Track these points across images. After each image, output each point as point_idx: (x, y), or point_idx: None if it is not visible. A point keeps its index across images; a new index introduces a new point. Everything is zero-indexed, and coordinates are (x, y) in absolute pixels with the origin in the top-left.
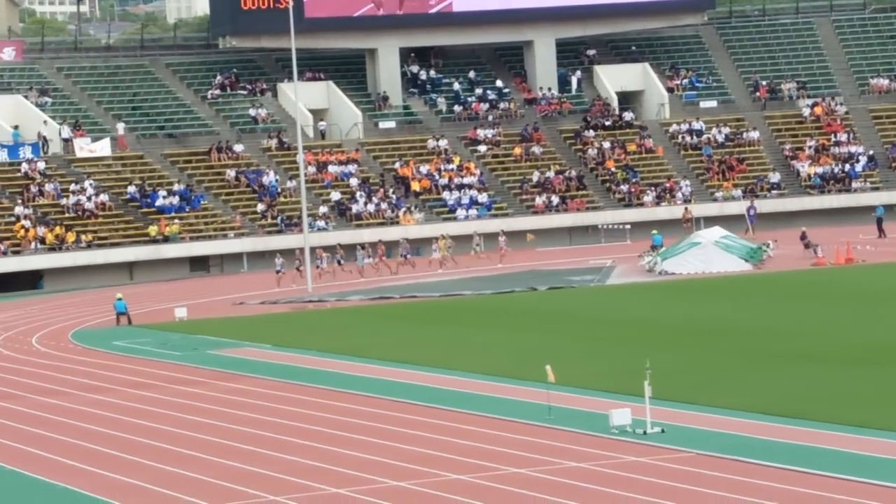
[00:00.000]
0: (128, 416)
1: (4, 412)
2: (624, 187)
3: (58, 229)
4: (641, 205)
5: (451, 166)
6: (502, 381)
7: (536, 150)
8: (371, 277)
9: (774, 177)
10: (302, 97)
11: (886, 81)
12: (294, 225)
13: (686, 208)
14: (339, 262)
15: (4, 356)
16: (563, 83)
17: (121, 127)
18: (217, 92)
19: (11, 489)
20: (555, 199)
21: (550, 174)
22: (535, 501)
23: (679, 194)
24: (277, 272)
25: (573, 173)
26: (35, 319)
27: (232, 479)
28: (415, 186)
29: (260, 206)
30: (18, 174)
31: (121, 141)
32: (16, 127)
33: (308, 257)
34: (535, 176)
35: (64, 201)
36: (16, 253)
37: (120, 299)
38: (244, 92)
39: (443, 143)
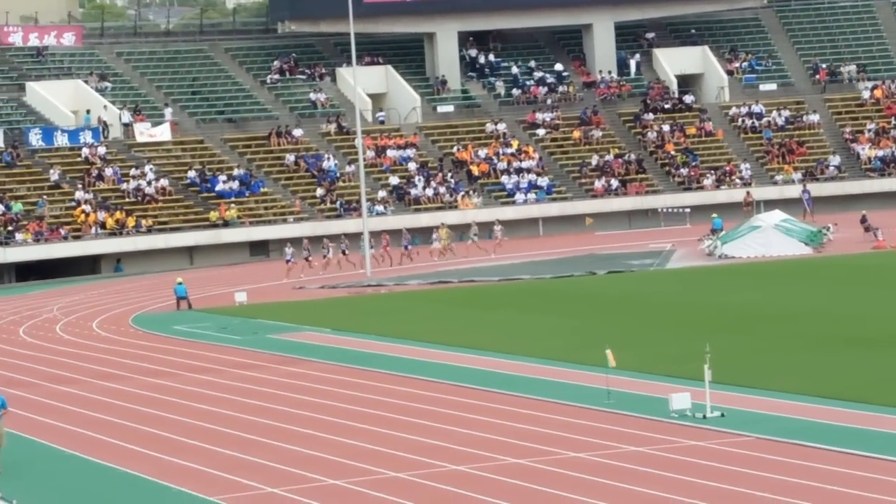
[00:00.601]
0: (188, 400)
1: (66, 397)
2: (683, 171)
3: (118, 214)
4: (701, 188)
5: (509, 150)
6: (561, 366)
7: (596, 133)
8: (376, 268)
9: (834, 160)
10: (361, 81)
11: None
12: (353, 209)
13: (747, 192)
14: (343, 252)
15: (65, 341)
16: (622, 66)
17: (168, 112)
18: (276, 76)
19: (73, 473)
20: (614, 183)
21: (609, 157)
22: (595, 486)
23: (738, 178)
24: (287, 262)
25: (632, 156)
26: (95, 304)
27: (292, 462)
28: (473, 170)
29: (319, 191)
30: (79, 159)
31: (171, 126)
32: (88, 111)
33: (367, 242)
34: (595, 159)
35: (124, 186)
36: (76, 238)
37: (180, 284)
38: (303, 76)
39: (501, 126)
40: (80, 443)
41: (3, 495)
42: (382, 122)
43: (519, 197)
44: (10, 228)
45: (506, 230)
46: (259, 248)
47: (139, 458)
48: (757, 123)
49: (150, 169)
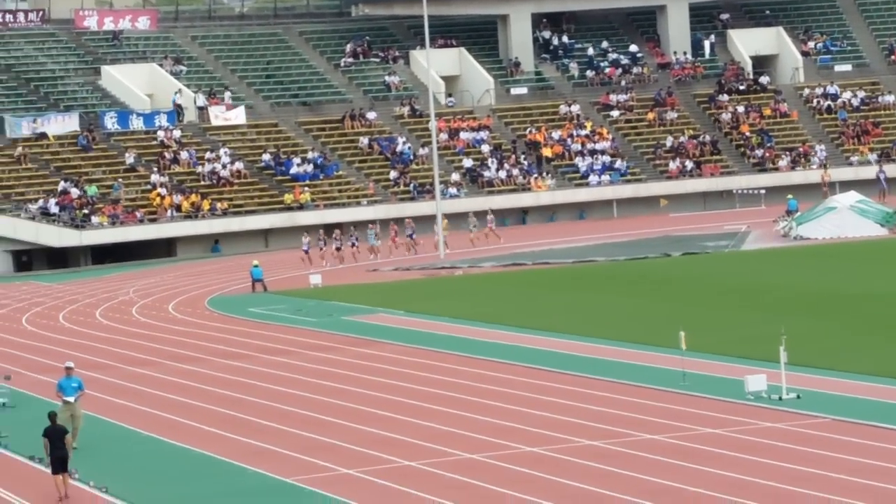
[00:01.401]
0: (263, 382)
1: (142, 379)
2: (758, 152)
3: (193, 197)
4: (776, 169)
5: (583, 132)
6: (636, 348)
7: (670, 114)
8: (384, 259)
9: None
10: (434, 64)
11: None
12: (426, 192)
13: (824, 172)
14: (353, 245)
15: (141, 323)
16: (697, 47)
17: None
18: (350, 60)
19: (149, 455)
20: (689, 164)
21: (684, 139)
22: (670, 468)
23: (814, 159)
24: (305, 252)
25: (707, 138)
26: (171, 287)
27: (367, 444)
28: (547, 152)
29: (392, 174)
30: (154, 142)
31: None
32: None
33: (440, 225)
34: (669, 141)
35: (199, 169)
36: (152, 221)
37: (256, 266)
38: (377, 59)
39: (575, 108)
40: (156, 424)
41: (80, 476)
42: (452, 107)
43: (593, 179)
44: (86, 212)
45: (581, 212)
46: (333, 231)
47: (215, 440)
48: (832, 104)
49: (225, 152)
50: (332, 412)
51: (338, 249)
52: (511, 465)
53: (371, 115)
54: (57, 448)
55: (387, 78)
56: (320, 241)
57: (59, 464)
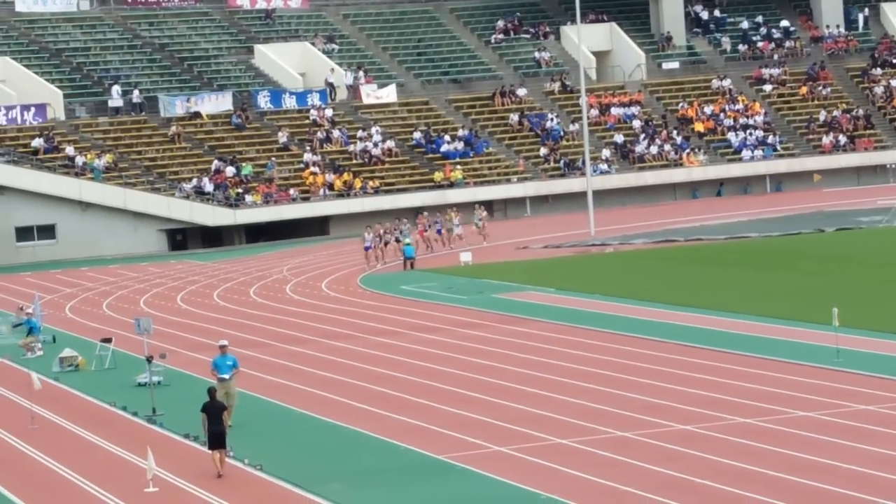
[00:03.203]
0: (415, 359)
1: (295, 356)
2: None
3: (346, 175)
4: None
5: (735, 107)
6: (789, 325)
7: (823, 89)
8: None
9: None
10: (585, 39)
11: None
12: (576, 169)
13: None
14: (397, 240)
15: (295, 301)
16: (850, 21)
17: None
18: (500, 36)
19: (302, 432)
20: (842, 139)
21: (837, 113)
22: (824, 445)
23: None
24: (367, 249)
25: (860, 112)
26: (324, 265)
27: (518, 421)
28: (698, 127)
29: (543, 150)
30: (307, 121)
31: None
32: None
33: (591, 201)
34: (822, 115)
35: (351, 148)
36: (305, 199)
37: (409, 245)
38: (527, 35)
39: (727, 83)
40: (309, 401)
41: (235, 454)
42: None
43: (746, 154)
44: (239, 191)
45: (731, 188)
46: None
47: (367, 417)
48: None
49: (377, 130)
50: (482, 389)
51: (386, 244)
52: (663, 442)
53: (521, 92)
54: (215, 424)
55: (537, 54)
56: (378, 237)
57: (217, 440)
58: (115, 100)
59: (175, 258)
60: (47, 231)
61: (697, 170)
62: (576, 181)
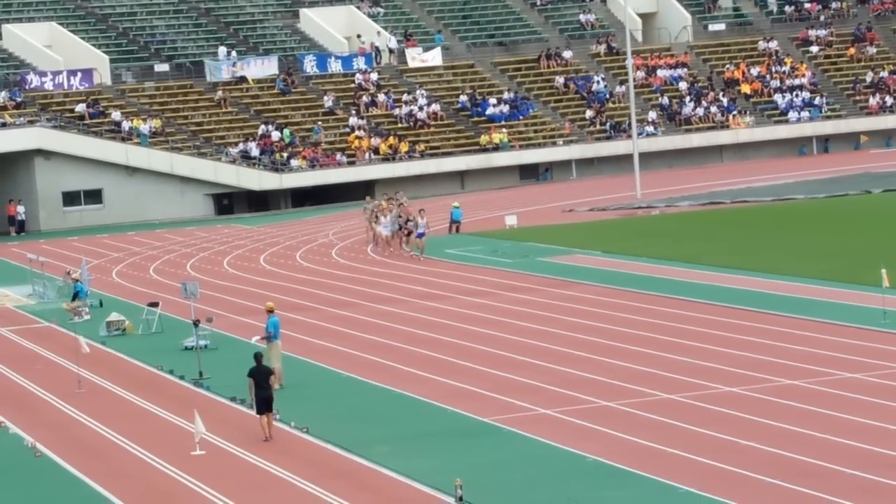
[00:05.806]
0: (461, 322)
1: (341, 320)
2: None
3: (391, 139)
4: None
5: (782, 68)
6: (836, 286)
7: (870, 49)
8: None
9: None
10: (630, 1)
11: None
12: (622, 131)
13: None
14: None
15: (340, 265)
16: None
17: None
18: None
19: (349, 395)
20: (889, 100)
21: (884, 74)
22: (871, 406)
23: None
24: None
25: None
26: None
27: (565, 384)
28: (745, 89)
29: (588, 113)
30: (352, 85)
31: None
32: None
33: (637, 163)
34: (869, 76)
35: (396, 111)
36: (351, 164)
37: (457, 207)
38: None
39: (773, 44)
40: (355, 365)
41: (282, 417)
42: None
43: (792, 115)
44: (286, 155)
45: (779, 150)
46: (529, 172)
47: (414, 380)
48: None
49: (422, 94)
50: (529, 353)
51: (409, 234)
52: (710, 405)
53: (567, 54)
54: (262, 388)
55: (582, 16)
56: (396, 222)
57: (264, 404)
58: (162, 64)
59: (221, 222)
60: (94, 196)
61: (744, 131)
62: (622, 143)
